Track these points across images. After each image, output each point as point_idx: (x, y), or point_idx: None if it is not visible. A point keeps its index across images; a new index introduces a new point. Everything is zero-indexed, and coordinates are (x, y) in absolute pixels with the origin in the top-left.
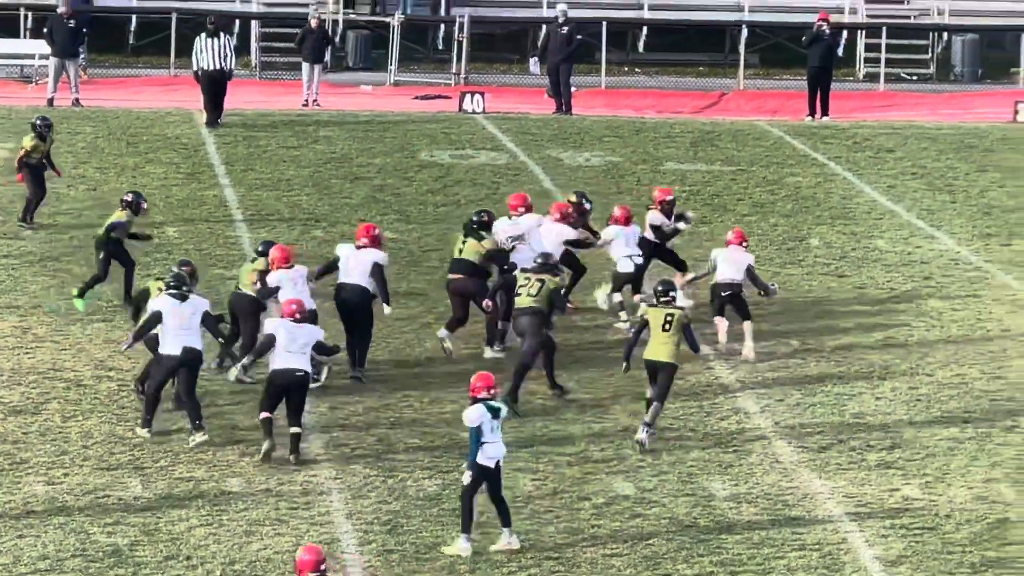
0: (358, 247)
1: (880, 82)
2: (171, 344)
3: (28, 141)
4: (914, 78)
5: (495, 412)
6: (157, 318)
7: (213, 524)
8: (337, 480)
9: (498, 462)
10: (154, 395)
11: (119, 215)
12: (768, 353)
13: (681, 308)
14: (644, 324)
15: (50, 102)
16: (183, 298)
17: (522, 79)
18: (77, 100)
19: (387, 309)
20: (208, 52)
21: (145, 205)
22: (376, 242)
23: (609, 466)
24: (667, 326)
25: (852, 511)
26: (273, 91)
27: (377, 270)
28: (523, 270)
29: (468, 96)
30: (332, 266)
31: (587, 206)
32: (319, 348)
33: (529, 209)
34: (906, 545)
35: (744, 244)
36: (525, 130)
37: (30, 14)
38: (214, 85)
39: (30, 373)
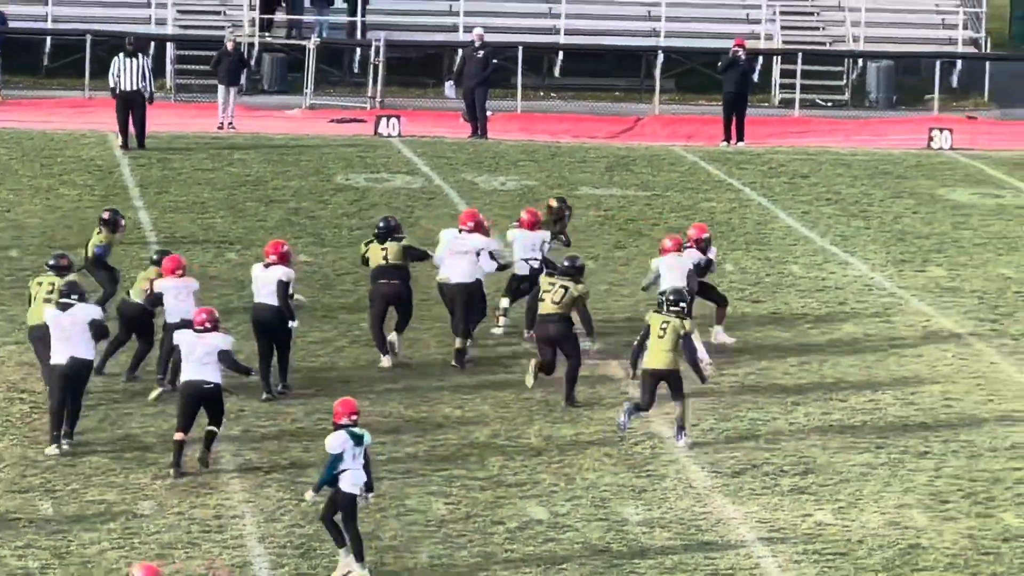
0: (266, 265)
1: (795, 108)
2: (57, 354)
3: None
4: (829, 104)
5: (357, 439)
6: (43, 329)
7: (125, 547)
8: (250, 503)
9: (361, 489)
10: (57, 410)
11: (99, 239)
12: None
13: (682, 317)
14: (647, 330)
15: None
16: (65, 307)
17: (438, 103)
18: None
19: (292, 324)
20: (125, 72)
21: (123, 222)
22: (284, 259)
23: (522, 490)
24: (662, 333)
25: (765, 536)
26: (188, 113)
27: (281, 287)
28: (548, 274)
29: (384, 120)
30: None
31: (567, 212)
32: (228, 362)
33: (479, 227)
34: (819, 570)
35: (681, 250)
36: (440, 154)
37: None
38: (130, 106)
39: None
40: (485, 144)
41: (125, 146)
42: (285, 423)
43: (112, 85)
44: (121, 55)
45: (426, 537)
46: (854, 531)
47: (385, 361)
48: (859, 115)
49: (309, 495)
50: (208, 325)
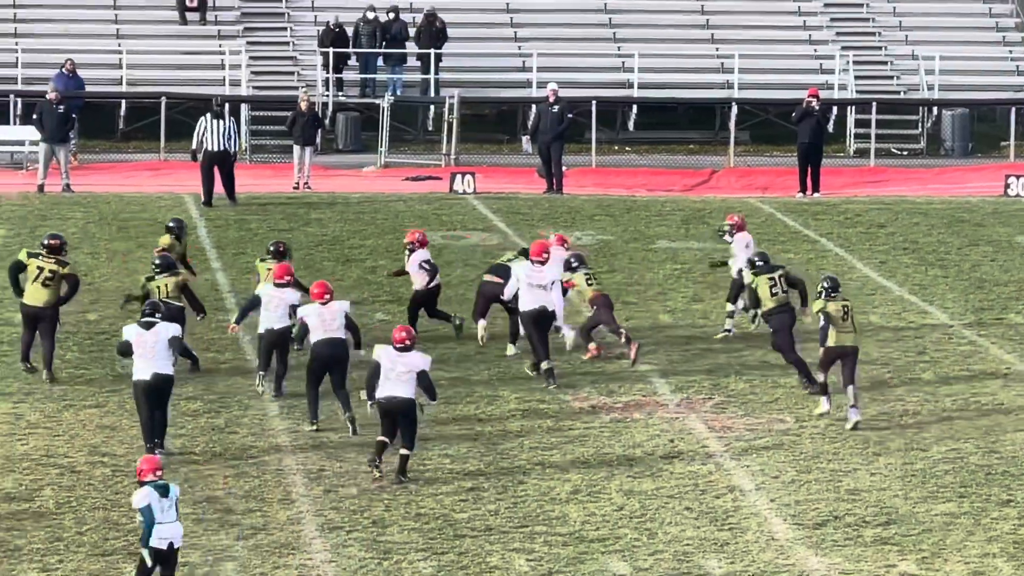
0: (324, 303)
1: (871, 157)
2: (139, 370)
3: (165, 240)
4: (904, 153)
5: (163, 491)
6: (126, 347)
7: None
8: (332, 563)
9: (171, 543)
10: (147, 422)
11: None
12: (764, 430)
13: (846, 298)
14: (828, 318)
15: (40, 188)
16: (148, 326)
17: (512, 159)
18: (68, 186)
19: (362, 353)
20: (213, 133)
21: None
22: (331, 292)
23: (604, 545)
24: (845, 316)
25: None
26: (263, 174)
27: (347, 318)
28: (754, 273)
29: (458, 176)
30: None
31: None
32: (426, 381)
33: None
34: None
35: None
36: (516, 210)
37: (20, 100)
38: (217, 166)
39: (23, 460)
40: (561, 199)
41: (208, 204)
42: (366, 482)
43: (195, 146)
44: (208, 116)
45: None
46: None
47: (481, 329)
48: (935, 163)
49: (145, 553)
50: (408, 343)
